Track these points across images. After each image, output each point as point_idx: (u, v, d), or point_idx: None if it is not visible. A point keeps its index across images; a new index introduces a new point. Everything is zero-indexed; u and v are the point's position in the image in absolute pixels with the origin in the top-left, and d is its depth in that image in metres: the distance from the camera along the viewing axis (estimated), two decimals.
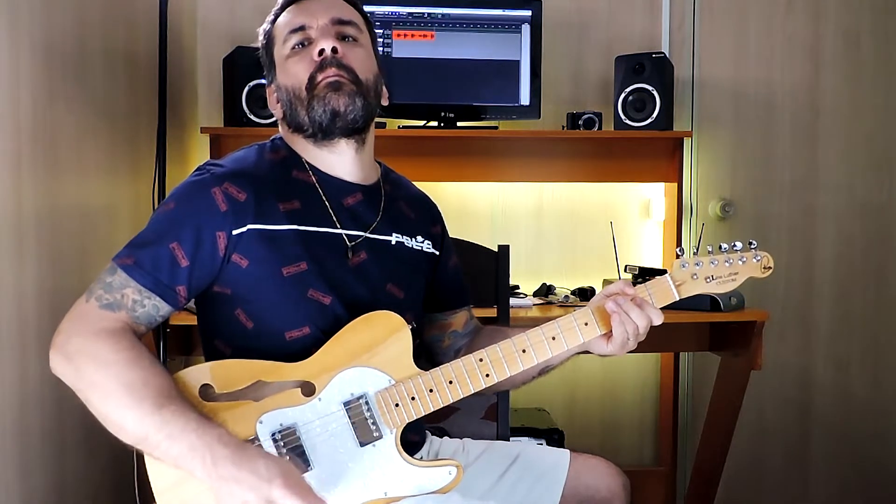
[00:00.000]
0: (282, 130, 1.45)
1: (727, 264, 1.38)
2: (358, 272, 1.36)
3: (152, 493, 1.25)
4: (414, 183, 1.61)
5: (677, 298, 1.38)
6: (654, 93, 2.74)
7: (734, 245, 1.38)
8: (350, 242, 1.37)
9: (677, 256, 1.38)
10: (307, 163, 1.40)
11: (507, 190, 3.01)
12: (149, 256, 1.26)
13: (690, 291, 1.38)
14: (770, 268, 1.39)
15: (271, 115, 2.63)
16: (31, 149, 1.86)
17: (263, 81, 2.57)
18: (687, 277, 1.37)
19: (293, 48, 1.39)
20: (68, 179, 2.07)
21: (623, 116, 2.76)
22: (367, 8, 2.60)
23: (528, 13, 2.75)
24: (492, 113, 2.78)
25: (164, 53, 2.50)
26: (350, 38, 1.40)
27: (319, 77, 1.35)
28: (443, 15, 2.72)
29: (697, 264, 1.37)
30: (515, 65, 2.77)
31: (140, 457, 1.24)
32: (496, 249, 2.04)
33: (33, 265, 1.87)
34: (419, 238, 1.48)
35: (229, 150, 2.69)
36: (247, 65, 2.62)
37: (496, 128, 2.82)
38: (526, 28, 2.76)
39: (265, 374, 1.27)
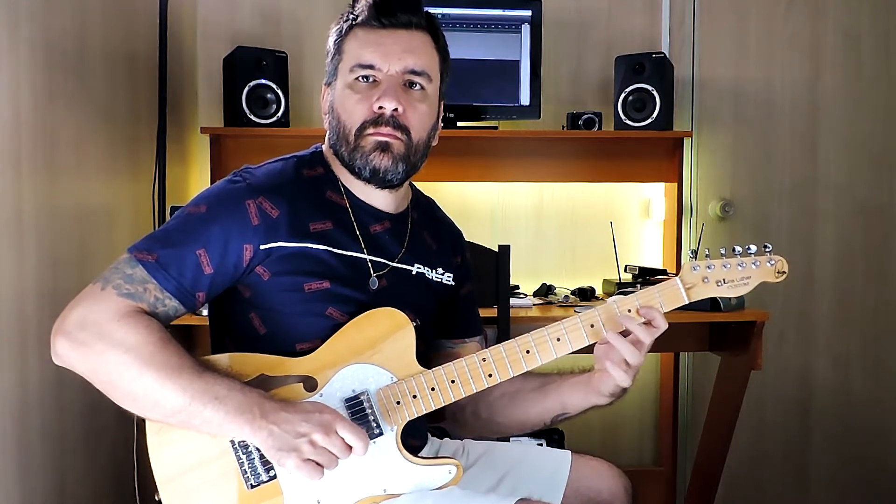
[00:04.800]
0: (325, 142, 1.44)
1: (740, 268, 1.34)
2: (378, 297, 1.37)
3: (155, 486, 1.26)
4: (423, 187, 1.59)
5: (687, 302, 1.34)
6: (654, 93, 2.74)
7: (748, 248, 1.34)
8: (374, 269, 1.38)
9: (689, 258, 1.35)
10: (342, 185, 1.40)
11: (507, 190, 3.01)
12: (174, 259, 1.26)
13: (700, 295, 1.34)
14: (784, 272, 1.34)
15: (271, 115, 2.64)
16: (31, 149, 1.86)
17: (263, 81, 2.65)
18: (698, 281, 1.34)
19: (357, 79, 1.36)
20: (68, 180, 2.07)
21: (623, 116, 2.76)
22: None
23: (528, 13, 2.75)
24: (492, 113, 2.78)
25: (164, 53, 2.51)
26: (418, 87, 1.37)
27: (371, 130, 1.34)
28: (443, 15, 2.71)
29: (709, 267, 1.34)
30: (515, 65, 2.77)
31: (140, 457, 1.24)
32: (496, 249, 2.04)
33: (33, 265, 1.87)
34: (440, 270, 1.49)
35: (229, 150, 2.75)
36: (247, 65, 2.61)
37: (496, 128, 2.82)
38: (526, 28, 2.76)
39: (268, 368, 1.29)
